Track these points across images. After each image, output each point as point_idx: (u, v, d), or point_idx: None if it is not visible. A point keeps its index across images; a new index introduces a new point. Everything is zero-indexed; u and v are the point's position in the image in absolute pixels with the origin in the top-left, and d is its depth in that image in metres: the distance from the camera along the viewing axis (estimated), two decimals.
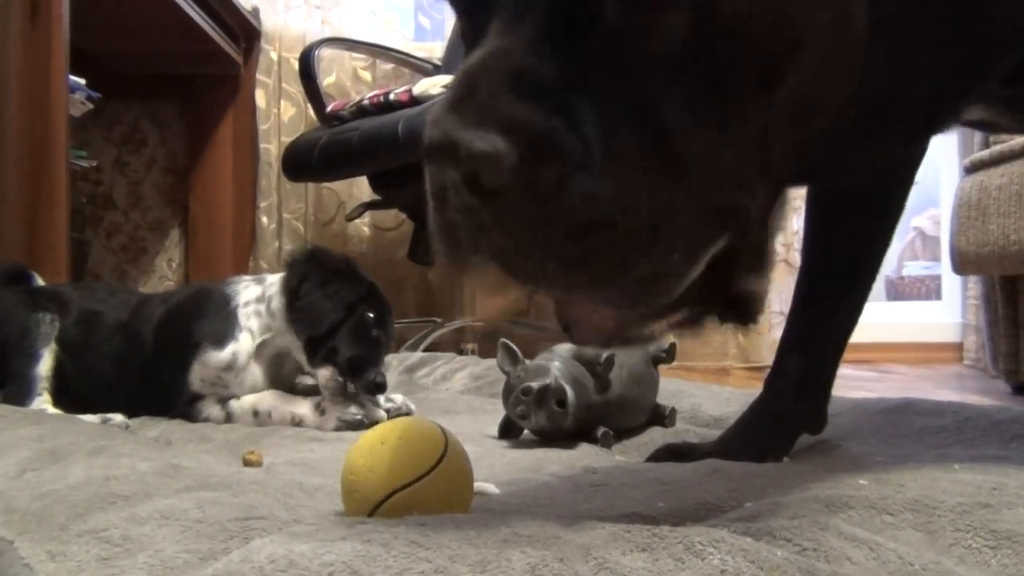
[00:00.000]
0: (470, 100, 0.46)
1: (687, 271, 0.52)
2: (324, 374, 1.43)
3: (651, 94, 0.48)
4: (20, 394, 1.46)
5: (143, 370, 1.53)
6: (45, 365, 1.50)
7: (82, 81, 2.22)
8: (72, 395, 1.52)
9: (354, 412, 1.39)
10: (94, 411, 1.44)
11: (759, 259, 0.58)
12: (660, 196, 0.48)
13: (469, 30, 0.55)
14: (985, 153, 2.12)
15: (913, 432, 1.10)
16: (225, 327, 1.48)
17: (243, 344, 1.48)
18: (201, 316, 1.51)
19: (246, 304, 1.50)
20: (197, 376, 1.47)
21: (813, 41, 0.53)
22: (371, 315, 1.46)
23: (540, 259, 0.47)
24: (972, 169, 2.18)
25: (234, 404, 1.45)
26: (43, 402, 1.47)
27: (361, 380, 1.41)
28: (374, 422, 1.38)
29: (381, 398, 1.47)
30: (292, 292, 1.46)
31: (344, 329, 1.43)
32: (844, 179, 0.80)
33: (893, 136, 0.73)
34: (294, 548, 0.52)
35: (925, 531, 0.63)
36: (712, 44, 0.48)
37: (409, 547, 0.52)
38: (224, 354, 1.46)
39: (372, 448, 0.69)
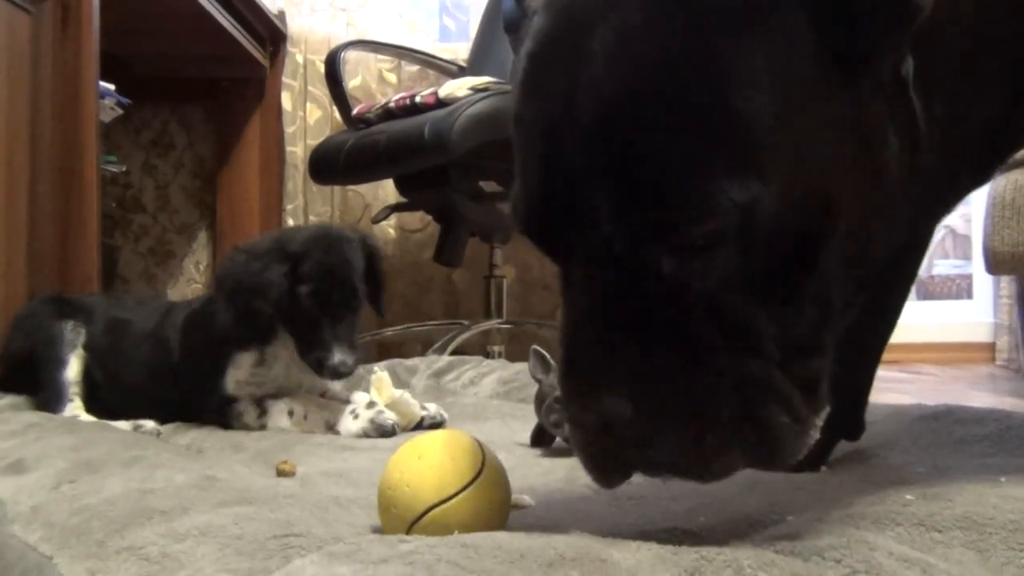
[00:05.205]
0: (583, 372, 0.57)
1: None
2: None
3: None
4: (51, 401, 1.48)
5: (171, 376, 1.53)
6: (72, 370, 1.52)
7: (111, 87, 2.23)
8: (103, 403, 1.52)
9: (387, 417, 1.37)
10: (125, 417, 1.44)
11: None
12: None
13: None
14: (1021, 152, 2.08)
15: (953, 441, 1.08)
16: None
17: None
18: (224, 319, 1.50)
19: None
20: (232, 379, 1.47)
21: (845, 216, 0.57)
22: (303, 290, 1.39)
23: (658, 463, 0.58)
24: (1007, 168, 2.14)
25: (270, 403, 1.44)
26: (75, 408, 1.48)
27: (321, 370, 1.39)
28: (405, 429, 1.38)
29: (415, 405, 1.45)
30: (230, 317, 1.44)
31: (293, 321, 1.40)
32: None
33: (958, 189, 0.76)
34: (336, 571, 0.51)
35: (976, 549, 0.61)
36: (753, 260, 0.55)
37: (453, 570, 0.51)
38: (252, 352, 1.47)
39: (409, 463, 0.69)
